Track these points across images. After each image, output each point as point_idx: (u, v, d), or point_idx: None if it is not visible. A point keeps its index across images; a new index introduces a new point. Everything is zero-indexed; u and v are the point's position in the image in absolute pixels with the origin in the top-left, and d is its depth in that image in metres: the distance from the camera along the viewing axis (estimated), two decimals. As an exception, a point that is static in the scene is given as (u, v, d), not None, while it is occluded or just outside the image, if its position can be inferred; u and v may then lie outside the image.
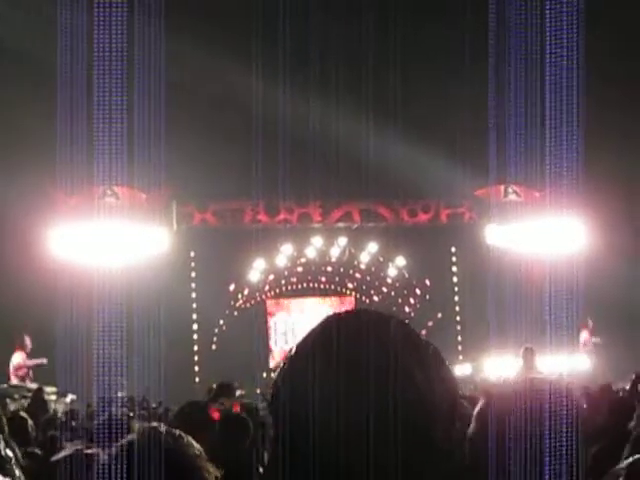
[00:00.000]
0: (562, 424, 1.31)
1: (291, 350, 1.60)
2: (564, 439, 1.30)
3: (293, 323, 32.02)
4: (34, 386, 16.43)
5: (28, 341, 18.32)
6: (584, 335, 21.48)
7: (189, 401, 6.68)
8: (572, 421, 1.31)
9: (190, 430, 2.57)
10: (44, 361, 18.23)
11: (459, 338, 28.40)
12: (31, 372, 18.32)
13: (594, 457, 5.10)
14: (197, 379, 26.83)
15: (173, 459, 2.09)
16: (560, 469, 1.26)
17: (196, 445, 2.24)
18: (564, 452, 1.29)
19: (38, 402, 14.22)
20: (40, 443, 7.10)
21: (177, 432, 2.24)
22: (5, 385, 17.71)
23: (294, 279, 31.83)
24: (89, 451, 2.18)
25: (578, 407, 1.34)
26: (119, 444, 2.23)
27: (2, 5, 20.78)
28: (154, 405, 16.71)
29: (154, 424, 2.30)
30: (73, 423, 10.09)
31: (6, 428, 6.49)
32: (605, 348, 21.71)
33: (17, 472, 2.73)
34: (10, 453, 2.92)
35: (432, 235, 26.61)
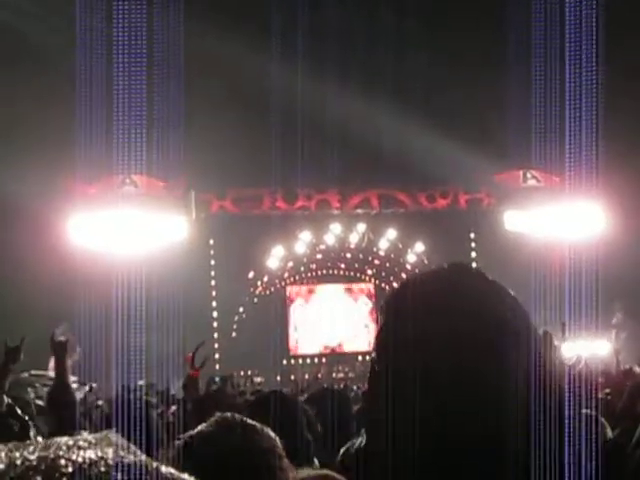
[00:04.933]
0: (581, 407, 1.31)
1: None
2: (585, 421, 1.30)
3: (312, 309, 32.04)
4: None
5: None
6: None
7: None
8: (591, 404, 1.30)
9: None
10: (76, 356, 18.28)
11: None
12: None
13: (616, 439, 5.12)
14: (217, 366, 26.90)
15: (240, 458, 1.96)
16: (581, 452, 1.27)
17: (271, 436, 2.09)
18: (584, 435, 1.29)
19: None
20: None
21: (251, 424, 2.09)
22: (26, 374, 17.77)
23: (313, 266, 31.86)
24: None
25: (596, 390, 1.33)
26: (186, 436, 2.09)
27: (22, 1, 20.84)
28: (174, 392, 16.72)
29: (228, 414, 2.17)
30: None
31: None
32: (628, 334, 21.76)
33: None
34: (40, 439, 2.95)
35: (451, 221, 26.54)
